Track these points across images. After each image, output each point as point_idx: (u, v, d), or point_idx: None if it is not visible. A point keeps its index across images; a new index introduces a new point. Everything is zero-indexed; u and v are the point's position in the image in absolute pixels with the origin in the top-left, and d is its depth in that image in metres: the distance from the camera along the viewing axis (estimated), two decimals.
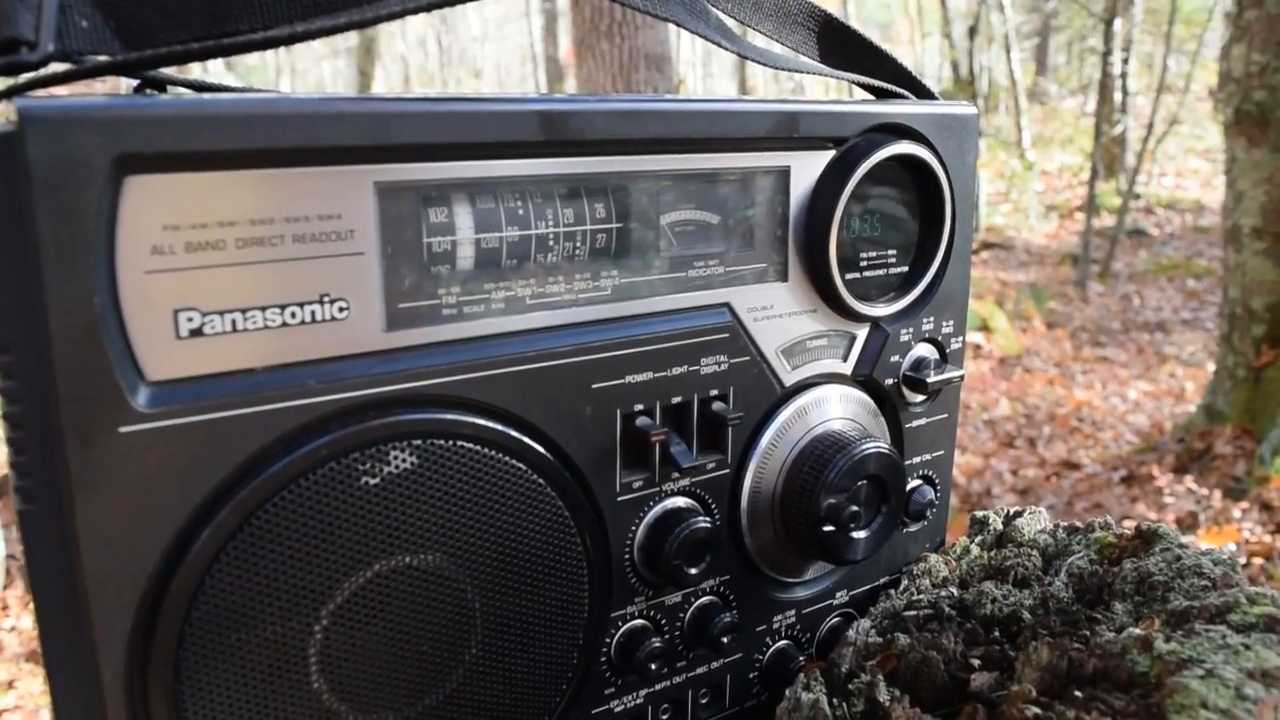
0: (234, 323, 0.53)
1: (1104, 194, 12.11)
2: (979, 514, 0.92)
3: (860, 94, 0.86)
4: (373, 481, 0.57)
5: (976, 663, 0.69)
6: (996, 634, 0.72)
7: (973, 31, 15.98)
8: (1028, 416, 6.52)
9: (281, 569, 0.55)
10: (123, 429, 0.50)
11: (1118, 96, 12.59)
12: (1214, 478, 4.82)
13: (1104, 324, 8.76)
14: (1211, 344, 7.37)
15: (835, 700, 0.69)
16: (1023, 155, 14.77)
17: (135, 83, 0.67)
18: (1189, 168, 14.60)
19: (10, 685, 3.79)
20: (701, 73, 20.26)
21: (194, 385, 0.52)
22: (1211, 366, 5.91)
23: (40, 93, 0.51)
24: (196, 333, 0.52)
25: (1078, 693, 0.62)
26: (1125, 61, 12.29)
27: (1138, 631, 0.66)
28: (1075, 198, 13.49)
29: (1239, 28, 4.79)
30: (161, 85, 0.67)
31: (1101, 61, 11.67)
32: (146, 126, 0.48)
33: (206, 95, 0.53)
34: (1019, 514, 0.91)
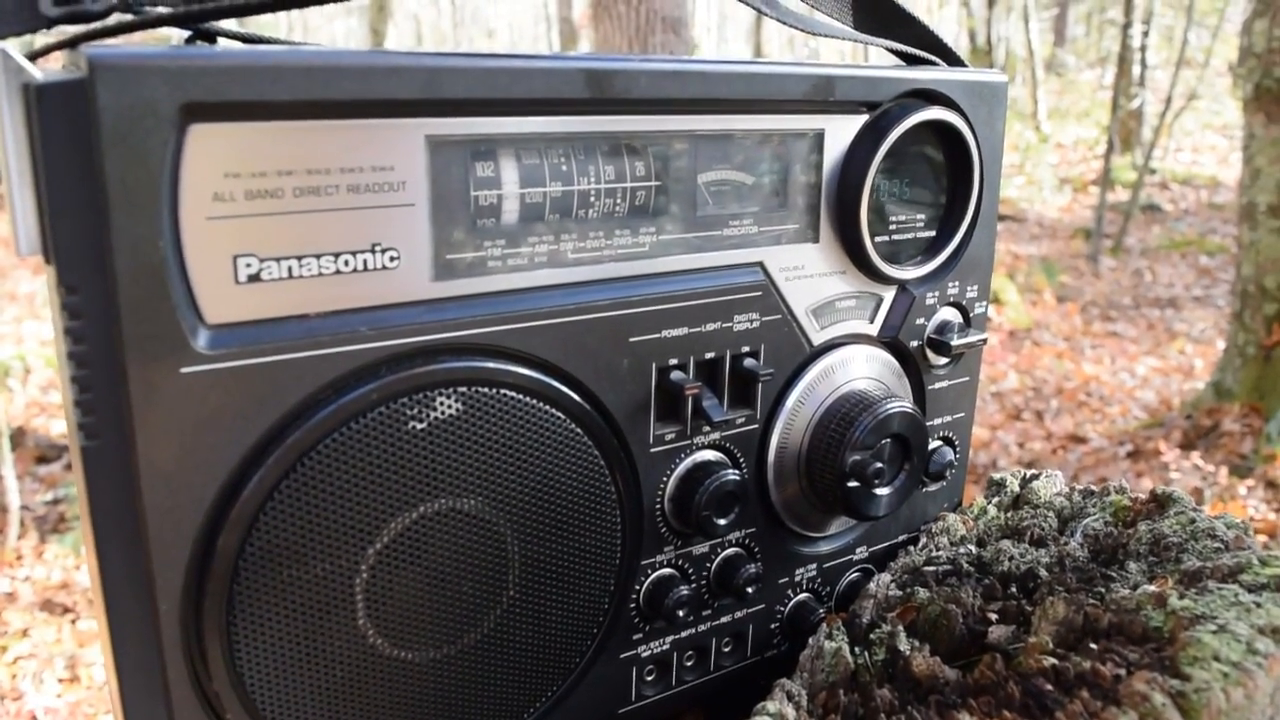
0: (290, 269, 0.54)
1: (1119, 168, 12.02)
2: (996, 476, 0.94)
3: (883, 59, 0.87)
4: (419, 426, 0.59)
5: (994, 616, 0.71)
6: (1013, 590, 0.74)
7: (991, 0, 15.80)
8: (1035, 390, 6.52)
9: (331, 508, 0.57)
10: (184, 369, 0.52)
11: (1136, 70, 12.46)
12: (1220, 455, 4.83)
13: (1115, 299, 8.73)
14: (1222, 321, 7.35)
15: (857, 649, 0.71)
16: (1038, 127, 14.66)
17: (185, 35, 0.68)
18: (1206, 143, 14.47)
19: (24, 633, 3.85)
20: (716, 37, 20.09)
21: (251, 329, 0.54)
22: (1221, 344, 5.90)
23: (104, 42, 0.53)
24: (254, 278, 0.53)
25: (1093, 645, 0.64)
26: (1145, 34, 12.16)
27: (1152, 588, 0.68)
28: (1090, 171, 13.40)
29: (1263, 2, 4.75)
30: (211, 37, 0.69)
31: (1121, 34, 11.53)
32: (212, 76, 0.50)
33: (265, 47, 0.54)
34: (1035, 476, 0.93)
